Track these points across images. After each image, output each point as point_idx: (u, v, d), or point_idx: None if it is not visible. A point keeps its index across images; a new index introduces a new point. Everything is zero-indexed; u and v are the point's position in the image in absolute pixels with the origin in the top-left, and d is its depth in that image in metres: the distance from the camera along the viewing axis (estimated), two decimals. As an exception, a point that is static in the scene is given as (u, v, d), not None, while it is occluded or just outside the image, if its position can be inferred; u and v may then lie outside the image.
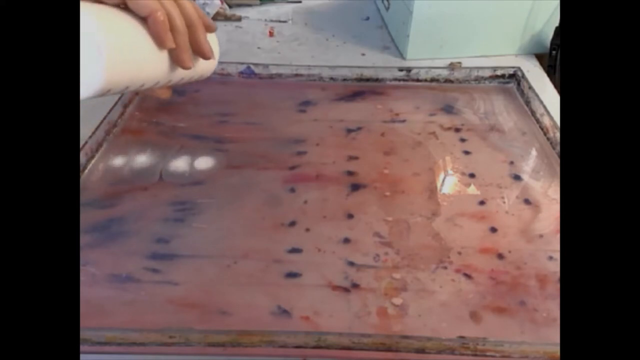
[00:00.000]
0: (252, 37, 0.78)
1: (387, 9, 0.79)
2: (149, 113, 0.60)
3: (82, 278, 0.40)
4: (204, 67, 0.36)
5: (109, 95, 0.31)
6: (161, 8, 0.30)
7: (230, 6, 0.86)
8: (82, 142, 0.51)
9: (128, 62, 0.30)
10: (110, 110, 0.56)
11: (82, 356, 0.32)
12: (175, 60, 0.32)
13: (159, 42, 0.31)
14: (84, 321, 0.34)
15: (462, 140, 0.56)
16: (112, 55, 0.28)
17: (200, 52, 0.33)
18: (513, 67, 0.65)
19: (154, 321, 0.37)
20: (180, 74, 0.34)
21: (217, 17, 0.82)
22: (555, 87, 0.65)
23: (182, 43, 0.32)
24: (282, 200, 0.48)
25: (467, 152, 0.54)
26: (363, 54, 0.72)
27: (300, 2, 0.90)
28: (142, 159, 0.53)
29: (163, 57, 0.32)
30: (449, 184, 0.50)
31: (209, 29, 0.35)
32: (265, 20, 0.83)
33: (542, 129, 0.57)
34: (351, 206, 0.47)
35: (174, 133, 0.57)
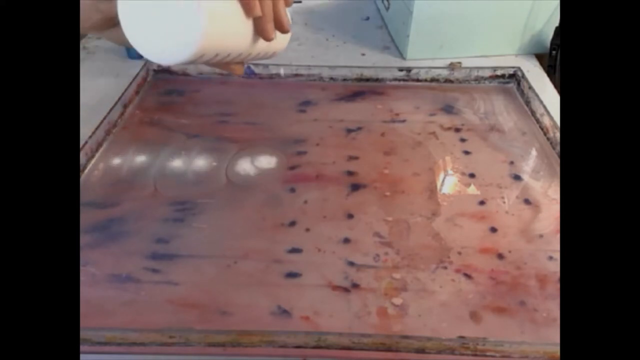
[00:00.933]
0: (252, 37, 0.78)
1: (387, 9, 0.79)
2: (149, 113, 0.60)
3: (82, 278, 0.40)
4: (278, 43, 0.36)
5: (198, 62, 0.31)
6: None
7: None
8: (82, 142, 0.51)
9: (222, 28, 0.30)
10: (110, 110, 0.56)
11: (82, 356, 0.32)
12: (259, 30, 0.33)
13: (247, 9, 0.31)
14: (84, 321, 0.34)
15: (462, 140, 0.56)
16: (210, 19, 0.28)
17: (280, 24, 0.34)
18: (513, 67, 0.65)
19: (154, 321, 0.37)
20: (260, 47, 0.34)
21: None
22: (555, 87, 0.65)
23: (267, 12, 0.32)
24: (282, 200, 0.48)
25: (467, 152, 0.54)
26: (363, 54, 0.72)
27: (300, 2, 0.90)
28: (142, 159, 0.53)
29: (248, 27, 0.32)
30: (449, 184, 0.50)
31: (287, 3, 0.35)
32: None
33: (542, 129, 0.57)
34: (351, 206, 0.47)
35: (174, 133, 0.57)
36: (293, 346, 0.35)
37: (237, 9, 0.31)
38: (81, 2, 0.31)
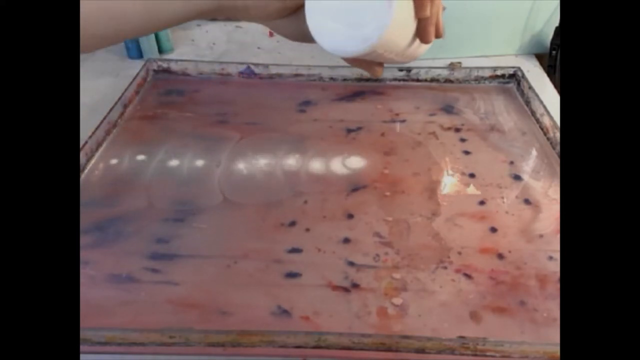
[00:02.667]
0: (252, 37, 0.78)
1: (387, 9, 0.79)
2: (149, 113, 0.60)
3: (82, 278, 0.40)
4: (422, 48, 0.36)
5: (367, 57, 0.31)
6: None
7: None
8: (82, 142, 0.51)
9: (399, 26, 0.30)
10: (110, 110, 0.56)
11: (82, 356, 0.32)
12: (422, 31, 0.33)
13: (420, 8, 0.31)
14: (84, 321, 0.34)
15: (462, 140, 0.56)
16: (396, 15, 0.29)
17: (438, 28, 0.34)
18: (513, 67, 0.65)
19: (154, 321, 0.37)
20: (410, 50, 0.35)
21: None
22: (555, 87, 0.66)
23: (434, 14, 0.32)
24: (282, 200, 0.48)
25: (467, 152, 0.54)
26: (363, 54, 0.72)
27: (300, 2, 0.90)
28: (142, 159, 0.53)
29: (412, 27, 0.32)
30: (449, 184, 0.50)
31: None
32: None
33: (542, 129, 0.57)
34: (351, 206, 0.47)
35: (174, 133, 0.56)
36: (293, 346, 0.35)
37: (410, 7, 0.31)
38: None
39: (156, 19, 0.32)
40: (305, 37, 0.35)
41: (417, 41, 0.34)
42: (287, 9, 0.33)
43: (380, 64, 0.37)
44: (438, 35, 0.34)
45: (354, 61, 0.35)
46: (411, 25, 0.33)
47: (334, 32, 0.31)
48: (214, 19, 0.83)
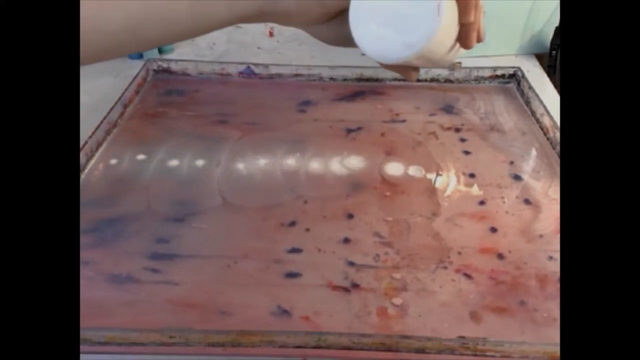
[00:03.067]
0: (252, 37, 0.78)
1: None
2: (149, 113, 0.60)
3: (82, 278, 0.40)
4: (458, 53, 0.36)
5: (410, 64, 0.31)
6: None
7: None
8: (82, 142, 0.51)
9: (445, 32, 0.30)
10: (110, 110, 0.56)
11: (82, 356, 0.32)
12: (464, 36, 0.32)
13: (465, 13, 0.31)
14: (84, 321, 0.34)
15: (462, 140, 0.56)
16: (443, 21, 0.28)
17: (479, 33, 0.34)
18: (513, 67, 0.65)
19: (154, 321, 0.37)
20: (448, 55, 0.34)
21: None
22: (555, 87, 0.65)
23: (477, 19, 0.32)
24: (282, 200, 0.48)
25: (467, 152, 0.54)
26: (363, 54, 0.72)
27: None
28: (142, 159, 0.53)
29: (455, 32, 0.32)
30: (449, 184, 0.50)
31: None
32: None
33: (542, 129, 0.57)
34: (351, 206, 0.47)
35: (174, 133, 0.56)
36: (293, 346, 0.35)
37: (455, 12, 0.31)
38: None
39: (201, 23, 0.32)
40: (345, 41, 0.35)
41: (457, 45, 0.34)
42: (329, 14, 0.33)
43: (416, 69, 0.37)
44: (479, 40, 0.34)
45: (391, 66, 0.34)
46: (454, 31, 0.32)
47: (379, 38, 0.30)
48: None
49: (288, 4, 0.32)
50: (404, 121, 0.59)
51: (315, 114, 0.60)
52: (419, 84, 0.66)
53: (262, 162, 0.53)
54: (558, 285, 0.40)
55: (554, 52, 0.68)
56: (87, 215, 0.46)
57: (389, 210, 0.47)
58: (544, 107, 0.57)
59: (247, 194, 0.49)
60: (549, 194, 0.49)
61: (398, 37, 0.30)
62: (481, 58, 0.70)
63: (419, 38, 0.29)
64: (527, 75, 0.63)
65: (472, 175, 0.51)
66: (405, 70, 0.36)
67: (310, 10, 0.33)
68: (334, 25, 0.34)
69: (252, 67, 0.65)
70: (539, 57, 0.71)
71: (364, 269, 0.41)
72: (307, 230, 0.45)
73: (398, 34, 0.30)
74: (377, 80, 0.66)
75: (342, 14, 0.33)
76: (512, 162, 0.53)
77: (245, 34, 0.79)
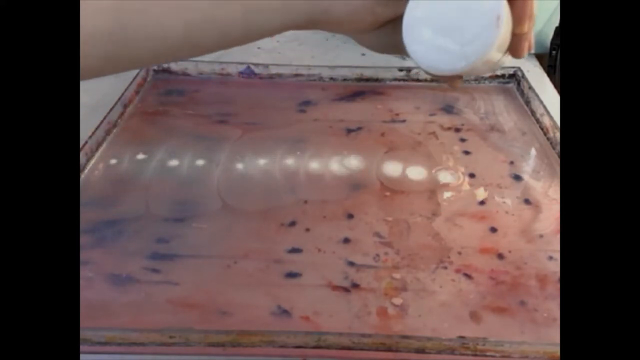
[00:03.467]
0: (252, 37, 0.78)
1: (387, 9, 0.79)
2: (149, 113, 0.60)
3: (82, 278, 0.40)
4: (506, 60, 0.36)
5: (469, 74, 0.31)
6: None
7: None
8: (82, 142, 0.51)
9: (502, 42, 0.29)
10: (110, 110, 0.56)
11: (82, 356, 0.32)
12: (516, 46, 0.32)
13: (519, 23, 0.31)
14: (84, 321, 0.34)
15: (462, 140, 0.56)
16: (503, 30, 0.28)
17: (530, 43, 0.33)
18: (513, 67, 0.65)
19: (154, 321, 0.37)
20: (499, 64, 0.34)
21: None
22: (555, 87, 0.65)
23: (530, 29, 0.32)
24: (282, 200, 0.48)
25: (467, 152, 0.54)
26: (363, 54, 0.72)
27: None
28: (142, 159, 0.53)
29: (508, 41, 0.32)
30: (449, 184, 0.50)
31: None
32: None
33: (542, 129, 0.57)
34: (351, 206, 0.47)
35: (174, 133, 0.56)
36: (293, 346, 0.35)
37: (509, 23, 0.31)
38: (356, 2, 0.31)
39: (253, 32, 0.32)
40: (391, 49, 0.35)
41: (506, 54, 0.33)
42: (378, 23, 0.33)
43: (461, 77, 0.36)
44: (529, 49, 0.34)
45: (435, 74, 0.34)
46: (508, 40, 0.31)
47: (433, 48, 0.30)
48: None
49: (339, 13, 0.32)
50: (404, 121, 0.59)
51: (315, 114, 0.60)
52: (419, 83, 0.66)
53: (262, 162, 0.53)
54: (558, 285, 0.40)
55: (554, 52, 0.68)
56: (87, 215, 0.46)
57: (389, 210, 0.47)
58: (544, 107, 0.57)
59: (247, 194, 0.49)
60: (549, 194, 0.49)
61: (454, 48, 0.29)
62: (481, 58, 0.70)
63: (476, 50, 0.29)
64: (527, 75, 0.63)
65: (472, 175, 0.51)
66: (451, 78, 0.36)
67: (361, 19, 0.32)
68: (382, 33, 0.34)
69: (252, 67, 0.65)
70: (539, 57, 0.71)
71: (364, 269, 0.41)
72: (307, 230, 0.45)
73: (454, 44, 0.29)
74: (377, 80, 0.66)
75: (391, 22, 0.33)
76: (512, 162, 0.53)
77: (245, 34, 0.78)
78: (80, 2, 0.27)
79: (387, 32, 0.34)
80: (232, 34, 0.32)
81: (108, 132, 0.55)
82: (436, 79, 0.35)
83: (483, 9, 0.28)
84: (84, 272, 0.41)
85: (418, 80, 0.66)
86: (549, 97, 0.60)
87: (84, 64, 0.28)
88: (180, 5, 0.30)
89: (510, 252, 0.43)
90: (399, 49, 0.33)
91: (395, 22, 0.32)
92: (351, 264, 0.42)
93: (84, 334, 0.35)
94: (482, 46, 0.29)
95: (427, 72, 0.33)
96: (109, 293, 0.39)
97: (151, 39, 0.30)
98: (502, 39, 0.29)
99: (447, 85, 0.37)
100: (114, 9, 0.28)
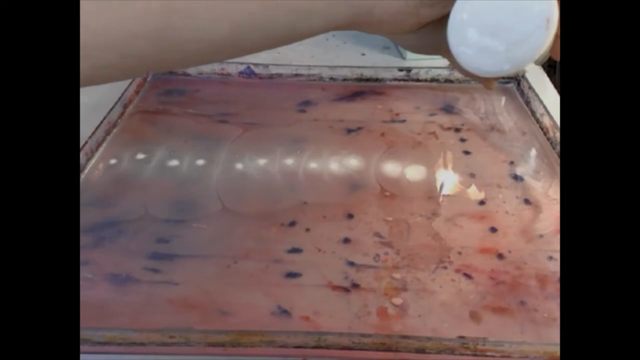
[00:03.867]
0: (252, 37, 0.78)
1: (387, 9, 0.79)
2: (149, 113, 0.60)
3: (82, 278, 0.40)
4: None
5: (511, 75, 0.30)
6: None
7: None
8: (82, 142, 0.51)
9: (549, 44, 0.29)
10: (110, 110, 0.56)
11: (82, 356, 0.32)
12: (556, 47, 0.31)
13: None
14: (84, 321, 0.34)
15: (462, 140, 0.56)
16: (552, 32, 0.28)
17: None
18: (513, 67, 0.65)
19: (154, 321, 0.37)
20: (536, 64, 0.34)
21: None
22: (555, 87, 0.65)
23: None
24: (282, 200, 0.48)
25: (467, 152, 0.54)
26: (363, 54, 0.72)
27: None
28: (142, 159, 0.53)
29: (551, 42, 0.31)
30: (449, 184, 0.50)
31: None
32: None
33: (542, 129, 0.57)
34: (351, 206, 0.47)
35: (174, 133, 0.56)
36: (293, 346, 0.35)
37: (557, 25, 0.30)
38: (400, 3, 0.31)
39: (295, 33, 0.32)
40: (432, 49, 0.34)
41: (547, 55, 0.33)
42: (421, 24, 0.33)
43: (497, 78, 0.36)
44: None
45: (474, 75, 0.33)
46: (551, 41, 0.31)
47: (479, 50, 0.29)
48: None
49: (383, 14, 0.31)
50: (404, 121, 0.59)
51: (315, 114, 0.60)
52: (419, 83, 0.66)
53: (262, 162, 0.53)
54: (558, 285, 0.40)
55: (554, 52, 0.68)
56: (87, 215, 0.46)
57: (389, 210, 0.47)
58: (544, 107, 0.57)
59: (247, 194, 0.49)
60: (549, 194, 0.49)
61: (501, 50, 0.29)
62: (481, 58, 0.70)
63: (523, 53, 0.28)
64: (527, 75, 0.63)
65: (472, 175, 0.51)
66: (488, 80, 0.36)
67: (404, 21, 0.32)
68: (423, 34, 0.34)
69: (252, 67, 0.65)
70: (539, 57, 0.71)
71: (364, 269, 0.41)
72: (307, 230, 0.45)
73: (501, 46, 0.28)
74: (377, 80, 0.66)
75: (432, 22, 0.33)
76: (512, 162, 0.53)
77: (245, 34, 0.78)
78: (129, 3, 0.27)
79: (427, 32, 0.33)
80: (273, 36, 0.32)
81: (108, 132, 0.55)
82: (468, 78, 0.35)
83: (533, 10, 0.28)
84: (84, 272, 0.41)
85: (418, 80, 0.66)
86: (549, 97, 0.60)
87: (124, 63, 0.29)
88: (227, 8, 0.29)
89: (510, 252, 0.43)
90: (439, 49, 0.32)
91: (436, 23, 0.32)
92: (351, 264, 0.42)
93: (84, 334, 0.35)
94: (530, 49, 0.28)
95: (464, 73, 0.33)
96: (109, 293, 0.40)
97: (197, 41, 0.30)
98: (550, 41, 0.29)
99: (482, 86, 0.36)
100: (163, 11, 0.28)
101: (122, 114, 0.59)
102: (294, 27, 0.31)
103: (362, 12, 0.31)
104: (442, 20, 0.31)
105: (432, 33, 0.33)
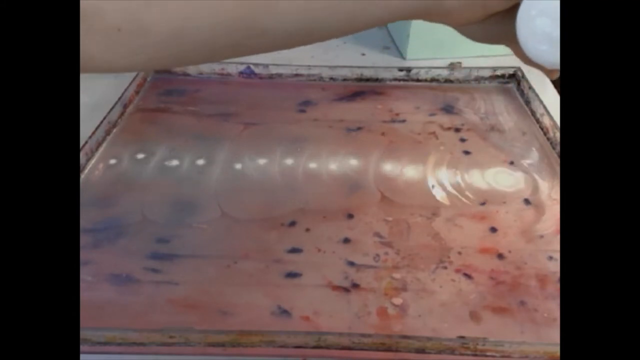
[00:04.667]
0: (252, 37, 0.78)
1: (387, 9, 0.79)
2: (149, 113, 0.60)
3: (82, 278, 0.40)
4: None
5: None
6: None
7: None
8: (82, 142, 0.51)
9: None
10: (110, 110, 0.56)
11: (82, 356, 0.32)
12: None
13: None
14: (84, 321, 0.34)
15: (462, 140, 0.56)
16: None
17: None
18: (513, 67, 0.65)
19: (154, 321, 0.37)
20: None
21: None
22: (556, 87, 0.65)
23: None
24: (282, 200, 0.48)
25: (467, 152, 0.54)
26: (363, 54, 0.72)
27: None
28: (142, 159, 0.53)
29: None
30: (449, 184, 0.50)
31: None
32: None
33: (542, 129, 0.57)
34: (351, 206, 0.47)
35: (174, 133, 0.56)
36: (293, 346, 0.35)
37: None
38: None
39: (357, 22, 0.32)
40: (498, 39, 0.34)
41: None
42: (487, 15, 0.33)
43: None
44: None
45: (539, 65, 0.34)
46: None
47: (549, 41, 0.30)
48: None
49: (452, 5, 0.31)
50: (404, 121, 0.59)
51: (315, 114, 0.60)
52: (419, 83, 0.66)
53: (261, 162, 0.53)
54: (558, 285, 0.40)
55: (554, 52, 0.68)
56: (87, 215, 0.46)
57: (388, 210, 0.47)
58: (544, 107, 0.57)
59: (247, 193, 0.49)
60: (549, 194, 0.49)
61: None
62: (481, 58, 0.70)
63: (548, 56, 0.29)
64: (527, 75, 0.63)
65: (472, 175, 0.51)
66: (551, 70, 0.36)
67: (471, 11, 0.32)
68: (488, 24, 0.34)
69: (252, 67, 0.65)
70: (539, 57, 0.71)
71: (364, 269, 0.41)
72: (307, 230, 0.45)
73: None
74: (377, 80, 0.66)
75: (498, 13, 0.33)
76: (512, 162, 0.53)
77: (245, 34, 0.78)
78: None
79: (493, 22, 0.33)
80: (332, 24, 0.32)
81: (108, 132, 0.55)
82: (531, 66, 0.35)
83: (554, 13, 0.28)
84: (84, 273, 0.41)
85: (418, 80, 0.66)
86: (549, 97, 0.60)
87: (212, 50, 0.30)
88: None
89: (510, 252, 0.43)
90: (504, 39, 0.32)
91: (503, 13, 0.32)
92: (351, 264, 0.42)
93: (84, 334, 0.35)
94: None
95: (528, 62, 0.32)
96: (109, 293, 0.40)
97: (274, 30, 0.30)
98: None
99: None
100: (249, 2, 0.29)
101: (122, 113, 0.59)
102: (365, 13, 0.31)
103: (427, 2, 0.31)
104: (509, 11, 0.31)
105: (498, 23, 0.33)
